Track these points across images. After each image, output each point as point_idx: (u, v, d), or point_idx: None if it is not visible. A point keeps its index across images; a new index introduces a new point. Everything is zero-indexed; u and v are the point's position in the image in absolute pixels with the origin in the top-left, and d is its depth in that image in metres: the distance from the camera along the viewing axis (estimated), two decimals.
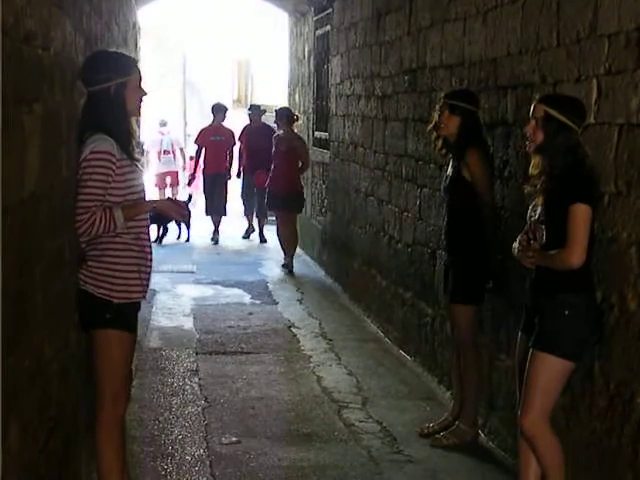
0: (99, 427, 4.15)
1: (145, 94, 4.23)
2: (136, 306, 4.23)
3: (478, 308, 5.60)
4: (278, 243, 11.87)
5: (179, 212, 4.38)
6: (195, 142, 14.05)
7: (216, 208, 13.74)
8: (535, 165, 4.20)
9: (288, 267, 11.43)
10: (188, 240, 13.59)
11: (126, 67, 4.13)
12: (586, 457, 4.31)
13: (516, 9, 5.27)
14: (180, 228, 13.57)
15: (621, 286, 4.00)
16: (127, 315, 4.14)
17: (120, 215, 3.96)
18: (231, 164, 13.98)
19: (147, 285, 4.23)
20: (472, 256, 5.47)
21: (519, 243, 4.30)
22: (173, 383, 6.75)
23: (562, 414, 4.53)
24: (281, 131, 11.65)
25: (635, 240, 3.89)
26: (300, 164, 11.57)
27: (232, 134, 13.91)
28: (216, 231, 13.76)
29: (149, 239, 4.26)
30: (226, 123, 14.12)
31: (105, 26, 5.96)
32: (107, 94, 4.03)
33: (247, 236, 14.19)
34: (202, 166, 13.85)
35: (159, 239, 12.90)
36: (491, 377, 5.60)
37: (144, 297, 4.23)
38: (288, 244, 11.58)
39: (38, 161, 3.17)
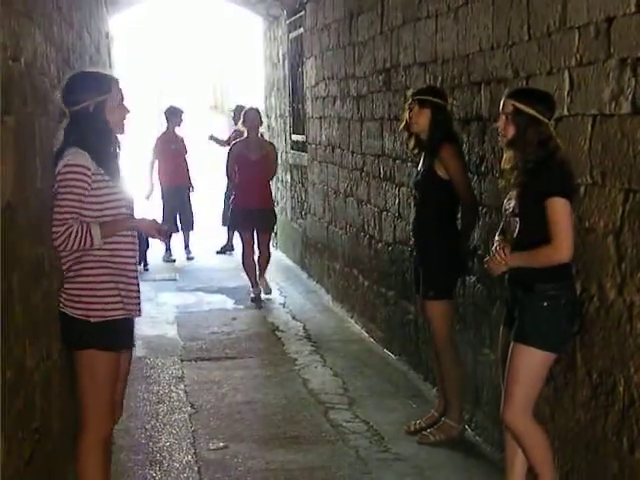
0: (80, 447, 4.07)
1: (127, 112, 4.20)
2: (118, 324, 4.07)
3: (451, 302, 5.63)
4: (244, 273, 10.12)
5: (161, 231, 4.28)
6: (151, 152, 12.45)
7: (184, 223, 12.52)
8: (507, 160, 4.22)
9: (267, 292, 10.01)
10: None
11: (103, 85, 4.10)
12: (571, 447, 4.33)
13: (487, 5, 5.29)
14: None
15: (600, 276, 4.02)
16: (107, 334, 4.02)
17: (98, 231, 3.92)
18: (190, 175, 12.60)
19: (132, 303, 4.13)
20: (441, 251, 5.50)
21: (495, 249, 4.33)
22: (159, 391, 6.74)
23: (546, 405, 4.55)
24: (246, 137, 10.00)
25: (612, 229, 3.92)
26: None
27: (184, 142, 12.61)
28: (186, 247, 12.62)
29: (131, 255, 4.16)
30: (180, 130, 12.72)
31: (77, 36, 5.94)
32: (87, 112, 4.03)
33: (223, 252, 12.93)
34: (159, 178, 12.36)
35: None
36: (476, 372, 5.62)
37: (129, 315, 4.12)
38: (263, 265, 10.07)
39: (12, 172, 3.16)
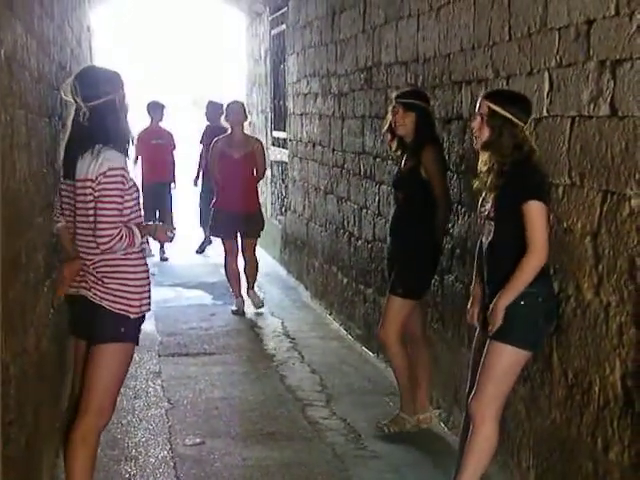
0: (76, 435, 4.13)
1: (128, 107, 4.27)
2: (143, 318, 4.26)
3: (415, 303, 5.66)
4: (226, 280, 9.41)
5: (169, 235, 4.41)
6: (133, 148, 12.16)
7: (162, 221, 11.85)
8: (484, 161, 4.25)
9: (258, 305, 9.20)
10: None
11: (120, 80, 4.18)
12: (547, 447, 4.35)
13: (468, 4, 5.31)
14: None
15: (577, 276, 4.05)
16: (138, 328, 4.21)
17: (138, 233, 4.05)
18: (174, 171, 12.41)
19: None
20: (416, 252, 5.53)
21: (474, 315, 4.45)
22: (136, 386, 6.71)
23: (522, 405, 4.57)
24: (229, 133, 9.20)
25: (589, 230, 3.94)
26: (255, 172, 9.16)
27: (172, 136, 12.47)
28: (161, 247, 12.15)
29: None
30: (164, 124, 12.55)
31: (58, 29, 5.92)
32: (113, 106, 4.07)
33: (202, 250, 12.69)
34: (141, 174, 12.00)
35: None
36: (453, 372, 5.63)
37: (150, 309, 4.29)
38: (251, 276, 9.30)
39: None
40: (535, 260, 4.04)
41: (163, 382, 6.83)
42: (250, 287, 9.33)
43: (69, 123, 4.16)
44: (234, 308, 9.13)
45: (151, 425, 5.90)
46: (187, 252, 12.61)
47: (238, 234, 9.14)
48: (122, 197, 4.00)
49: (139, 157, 12.01)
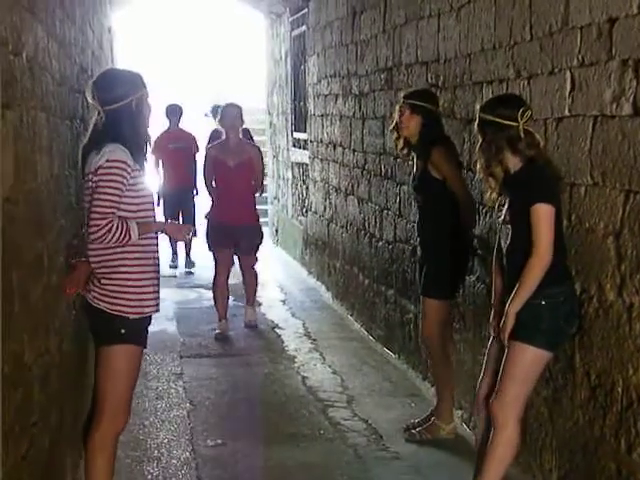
0: (94, 441, 4.16)
1: (151, 108, 4.30)
2: (148, 320, 4.24)
3: (449, 304, 5.64)
4: (213, 302, 8.54)
5: (187, 233, 4.51)
6: (152, 152, 10.32)
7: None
8: (479, 167, 4.28)
9: (252, 323, 8.56)
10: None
11: (140, 82, 4.20)
12: (569, 448, 4.33)
13: (489, 4, 5.29)
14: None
15: (599, 277, 4.02)
16: (141, 329, 4.18)
17: (135, 228, 4.00)
18: (196, 175, 11.53)
19: (158, 297, 4.26)
20: (444, 252, 5.50)
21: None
22: (158, 387, 6.74)
23: (544, 406, 4.55)
24: (224, 139, 8.31)
25: (612, 230, 3.91)
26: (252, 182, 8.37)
27: (194, 139, 11.85)
28: (187, 255, 11.74)
29: (157, 251, 4.27)
30: (185, 126, 12.01)
31: (79, 31, 5.94)
32: (129, 109, 4.10)
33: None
34: (162, 180, 11.63)
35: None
36: (474, 372, 5.61)
37: (157, 310, 4.25)
38: (249, 292, 8.60)
39: (12, 166, 3.16)
40: (537, 265, 4.04)
41: (185, 383, 6.85)
42: (248, 302, 8.64)
43: (91, 124, 4.20)
44: (217, 331, 8.30)
45: (173, 426, 5.91)
46: (207, 255, 12.45)
47: (233, 248, 8.36)
48: (120, 190, 3.97)
49: (159, 162, 11.62)
